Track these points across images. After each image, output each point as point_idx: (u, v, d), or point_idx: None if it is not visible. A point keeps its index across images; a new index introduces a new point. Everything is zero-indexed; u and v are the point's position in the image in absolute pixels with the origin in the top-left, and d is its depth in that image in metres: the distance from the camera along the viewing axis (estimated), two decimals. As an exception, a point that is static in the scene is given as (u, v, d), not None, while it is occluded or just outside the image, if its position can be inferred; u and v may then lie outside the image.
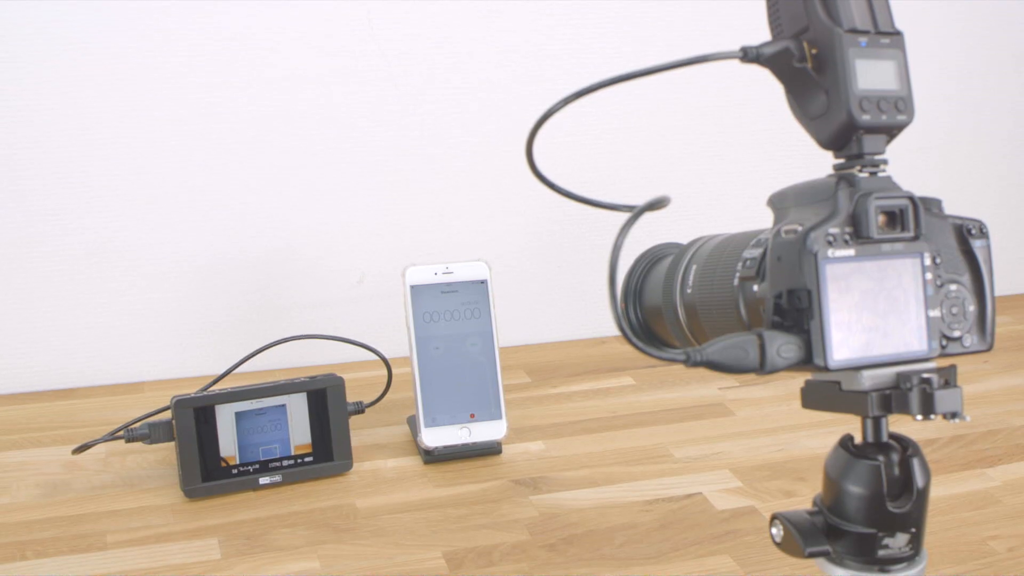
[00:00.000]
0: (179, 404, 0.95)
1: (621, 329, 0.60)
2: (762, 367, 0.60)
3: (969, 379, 1.20)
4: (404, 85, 1.29)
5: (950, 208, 1.51)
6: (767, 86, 0.70)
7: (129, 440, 0.98)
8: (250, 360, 1.08)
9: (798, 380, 0.66)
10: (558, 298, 1.38)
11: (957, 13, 1.48)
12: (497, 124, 1.32)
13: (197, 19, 1.22)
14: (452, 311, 1.03)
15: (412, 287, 1.02)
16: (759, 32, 0.69)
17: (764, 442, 1.06)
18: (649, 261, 0.81)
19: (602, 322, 1.39)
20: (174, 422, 0.95)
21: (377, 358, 1.10)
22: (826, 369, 0.60)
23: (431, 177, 1.32)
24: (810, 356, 0.60)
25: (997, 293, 1.56)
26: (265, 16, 1.23)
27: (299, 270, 1.29)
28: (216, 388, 1.01)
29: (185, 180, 1.25)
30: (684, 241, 0.80)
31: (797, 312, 0.60)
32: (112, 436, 0.99)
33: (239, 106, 1.25)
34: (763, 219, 0.69)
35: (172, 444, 0.97)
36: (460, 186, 1.33)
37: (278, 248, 1.28)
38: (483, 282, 1.04)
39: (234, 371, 1.08)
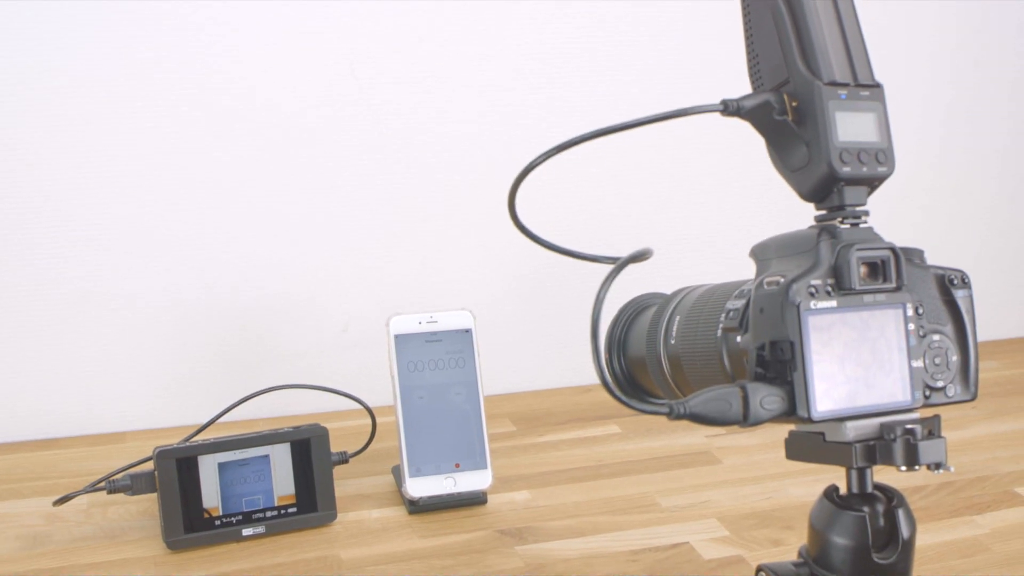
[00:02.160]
0: (161, 455, 0.94)
1: (604, 382, 0.60)
2: (745, 419, 0.60)
3: (956, 425, 1.20)
4: (388, 133, 1.29)
5: (933, 254, 1.52)
6: (751, 135, 0.70)
7: (111, 491, 0.97)
8: (234, 409, 1.08)
9: (785, 427, 0.66)
10: (543, 346, 1.38)
11: (943, 61, 1.49)
12: (481, 172, 1.32)
13: (180, 63, 1.22)
14: (436, 360, 1.03)
15: (396, 336, 1.02)
16: (741, 81, 0.70)
17: (751, 490, 1.06)
18: (633, 311, 0.81)
19: (588, 370, 1.38)
20: (156, 473, 0.94)
21: (362, 407, 1.10)
22: (810, 420, 0.60)
23: (415, 225, 1.32)
24: (794, 408, 0.60)
25: (984, 338, 1.56)
26: (250, 62, 1.24)
27: (283, 319, 1.29)
28: (199, 438, 1.00)
29: (168, 228, 1.24)
30: (668, 290, 0.80)
31: (780, 364, 0.60)
32: (93, 487, 0.98)
33: (222, 153, 1.25)
34: (747, 268, 0.69)
35: (154, 495, 0.96)
36: (444, 234, 1.33)
37: (262, 297, 1.28)
38: (467, 331, 1.04)
39: (217, 421, 1.08)
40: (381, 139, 1.29)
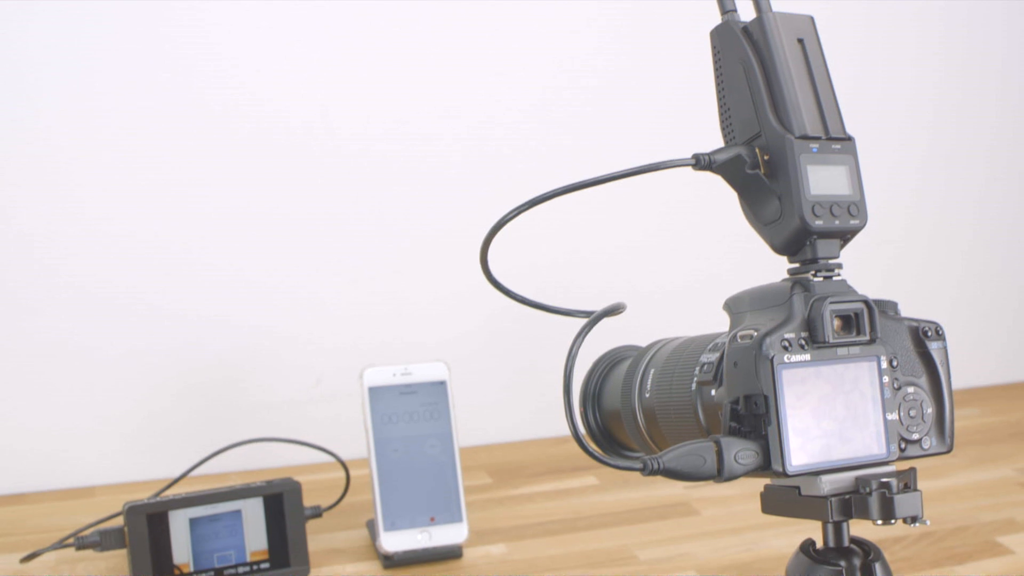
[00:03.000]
0: (131, 511, 0.92)
1: (576, 438, 0.59)
2: (720, 474, 0.59)
3: (937, 474, 1.20)
4: (361, 185, 1.29)
5: (910, 300, 1.52)
6: (724, 187, 0.70)
7: (79, 547, 0.95)
8: (205, 463, 1.07)
9: (762, 479, 0.65)
10: (519, 397, 1.38)
11: (920, 112, 1.50)
12: (454, 223, 1.32)
13: (155, 117, 1.22)
14: (411, 412, 1.02)
15: (370, 388, 1.01)
16: (713, 134, 0.70)
17: (730, 542, 1.05)
18: (607, 364, 0.80)
19: (564, 421, 1.38)
20: (126, 529, 0.92)
21: (335, 460, 1.09)
22: (784, 475, 0.60)
23: (389, 277, 1.31)
24: (768, 462, 0.60)
25: (962, 385, 1.56)
26: (220, 112, 1.24)
27: (255, 371, 1.28)
28: (170, 493, 0.99)
29: (138, 281, 1.24)
30: (642, 343, 0.79)
31: (754, 418, 0.60)
32: (62, 544, 0.97)
33: (193, 205, 1.24)
34: (722, 320, 0.68)
35: (124, 551, 0.95)
36: (418, 285, 1.32)
37: (234, 349, 1.27)
38: (442, 383, 1.03)
39: (189, 475, 1.06)
40: (354, 191, 1.29)
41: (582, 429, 0.79)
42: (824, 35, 1.44)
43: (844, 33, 1.45)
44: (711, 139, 0.68)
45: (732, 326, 0.66)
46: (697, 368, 0.66)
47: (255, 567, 0.96)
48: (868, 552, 0.64)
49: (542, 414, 1.38)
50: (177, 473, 1.09)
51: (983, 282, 1.57)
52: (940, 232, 1.54)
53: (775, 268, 0.68)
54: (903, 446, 0.63)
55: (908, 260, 1.52)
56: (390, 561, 1.00)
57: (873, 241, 1.45)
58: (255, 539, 0.97)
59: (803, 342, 0.61)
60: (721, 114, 0.68)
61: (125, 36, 1.21)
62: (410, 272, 1.32)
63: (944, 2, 1.50)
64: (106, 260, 1.23)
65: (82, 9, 1.19)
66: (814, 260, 0.64)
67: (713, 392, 0.64)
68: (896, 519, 0.60)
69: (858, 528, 0.65)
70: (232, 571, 0.95)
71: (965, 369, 1.53)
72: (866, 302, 0.63)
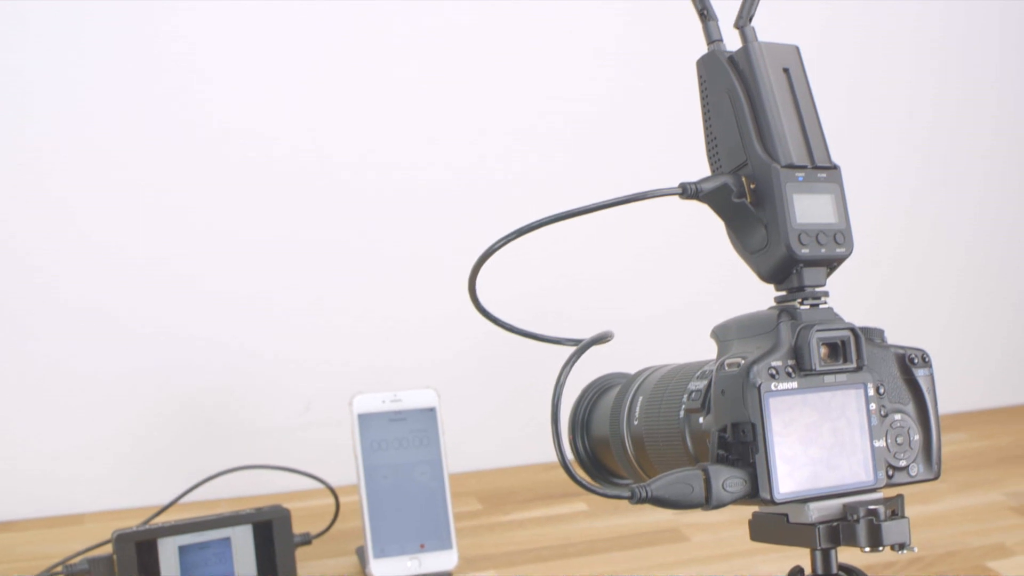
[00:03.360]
0: (120, 539, 0.92)
1: (564, 466, 0.59)
2: (708, 502, 0.59)
3: (925, 499, 1.20)
4: (351, 208, 1.29)
5: (901, 325, 1.53)
6: (711, 215, 0.71)
7: (68, 576, 0.95)
8: (195, 490, 1.06)
9: (751, 506, 0.65)
10: (509, 422, 1.38)
11: (913, 135, 1.51)
12: (444, 248, 1.32)
13: (149, 140, 1.22)
14: (400, 439, 1.02)
15: (360, 415, 1.01)
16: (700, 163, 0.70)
17: (720, 568, 1.05)
18: (596, 391, 0.81)
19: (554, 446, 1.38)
20: (115, 557, 0.92)
21: (325, 487, 1.08)
22: (772, 502, 0.60)
23: (378, 303, 1.31)
24: (756, 490, 0.60)
25: (952, 410, 1.56)
26: (213, 136, 1.24)
27: (245, 398, 1.28)
28: (159, 520, 0.99)
29: (127, 308, 1.24)
30: (631, 370, 0.80)
31: (742, 445, 0.60)
32: (50, 572, 0.96)
33: (182, 234, 1.24)
34: (710, 347, 0.69)
35: (112, 580, 0.95)
36: (407, 311, 1.32)
37: (224, 376, 1.27)
38: (432, 409, 1.03)
39: (178, 502, 1.06)
40: (344, 216, 1.29)
41: (570, 456, 0.80)
42: (819, 59, 1.45)
43: (838, 57, 1.46)
44: (699, 168, 0.69)
45: (720, 354, 0.66)
46: (685, 396, 0.66)
47: (244, 595, 0.96)
48: (856, 579, 0.64)
49: (532, 439, 1.38)
50: (166, 500, 1.08)
51: (973, 307, 1.58)
52: (931, 256, 1.55)
53: (763, 295, 0.68)
54: (890, 473, 0.63)
55: (899, 284, 1.53)
56: (379, 588, 1.00)
57: (865, 265, 1.46)
58: (244, 566, 0.96)
59: (790, 370, 0.61)
60: (708, 143, 0.68)
61: (117, 61, 1.22)
62: (400, 297, 1.32)
63: (941, 25, 1.51)
64: (95, 286, 1.23)
65: (74, 34, 1.20)
66: (800, 288, 0.64)
67: (701, 420, 0.64)
68: (884, 546, 0.60)
69: (846, 555, 0.65)
70: (221, 599, 0.95)
71: (955, 394, 1.54)
72: (852, 330, 0.63)
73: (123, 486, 1.24)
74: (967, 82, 1.53)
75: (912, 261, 1.54)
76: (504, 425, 1.38)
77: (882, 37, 1.48)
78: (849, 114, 1.47)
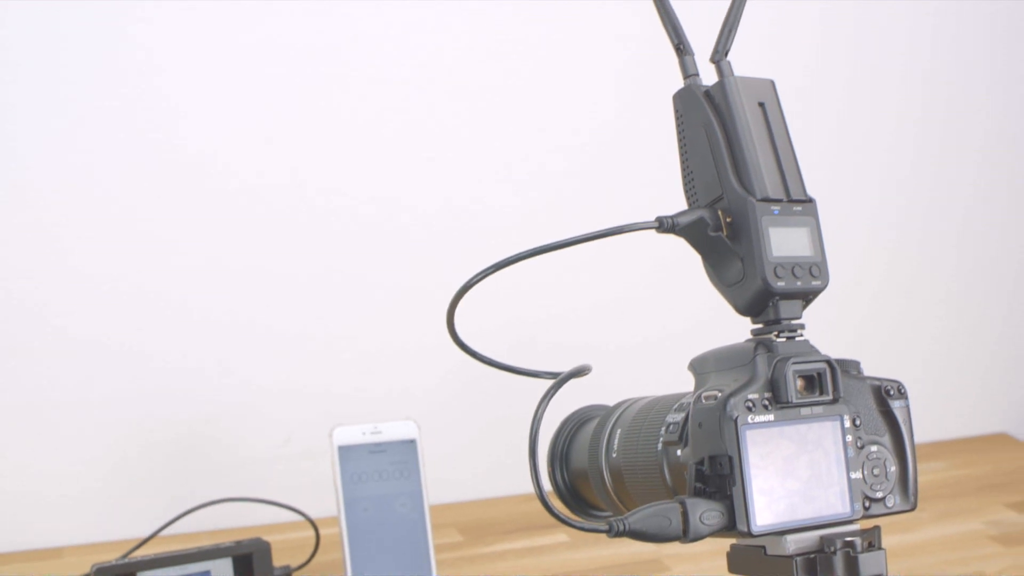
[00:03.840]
0: (100, 572, 0.92)
1: (542, 500, 0.59)
2: (685, 535, 0.60)
3: (904, 528, 1.20)
4: (330, 240, 1.29)
5: (883, 353, 1.53)
6: (689, 247, 0.71)
7: (46, 611, 0.94)
8: (175, 523, 1.06)
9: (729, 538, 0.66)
10: (489, 453, 1.37)
11: (898, 166, 1.52)
12: (422, 280, 1.32)
13: (130, 167, 1.22)
14: (381, 471, 1.02)
15: (340, 448, 1.01)
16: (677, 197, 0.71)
17: (700, 599, 1.05)
18: (575, 423, 0.81)
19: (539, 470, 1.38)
20: (93, 592, 0.92)
21: (305, 519, 1.08)
22: (750, 535, 0.60)
23: (358, 333, 1.31)
24: (734, 522, 0.60)
25: (932, 439, 1.57)
26: (196, 166, 1.24)
27: (225, 429, 1.27)
28: (138, 554, 0.99)
29: (107, 338, 1.23)
30: (610, 401, 0.80)
31: (719, 478, 0.60)
32: (27, 607, 0.96)
33: (161, 263, 1.24)
34: (689, 376, 0.69)
35: (90, 615, 0.94)
36: (387, 341, 1.32)
37: (203, 407, 1.26)
38: (412, 441, 1.03)
39: (158, 535, 1.06)
40: (323, 247, 1.29)
41: (547, 487, 0.80)
42: (807, 90, 1.47)
43: (825, 89, 1.48)
44: (676, 202, 0.69)
45: (697, 386, 0.66)
46: (663, 428, 0.67)
47: (223, 629, 0.96)
48: (834, 611, 0.64)
49: (513, 469, 1.38)
50: (146, 533, 1.08)
51: (956, 338, 1.59)
52: (914, 287, 1.55)
53: (741, 326, 0.69)
54: (867, 504, 0.64)
55: (883, 313, 1.53)
56: (360, 621, 1.00)
57: (849, 293, 1.47)
58: (224, 600, 0.96)
59: (767, 402, 0.61)
60: (684, 177, 0.69)
61: (106, 92, 1.22)
62: (379, 327, 1.32)
63: (929, 57, 1.53)
64: (71, 318, 1.22)
65: (53, 63, 1.20)
66: (777, 321, 0.65)
67: (679, 452, 0.65)
68: (861, 578, 0.60)
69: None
70: (200, 633, 0.95)
71: (938, 422, 1.55)
72: (828, 362, 0.64)
73: (102, 518, 1.24)
74: (952, 116, 1.54)
75: (895, 291, 1.55)
76: (485, 454, 1.37)
77: (869, 70, 1.50)
78: (836, 146, 1.48)
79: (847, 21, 1.48)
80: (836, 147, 1.48)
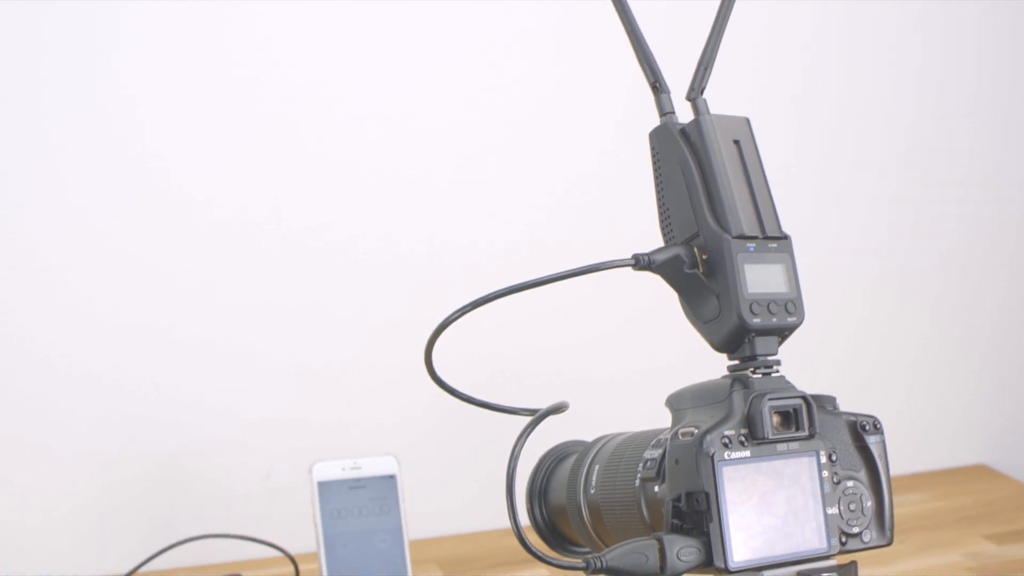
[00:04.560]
0: (75, 611, 0.91)
1: (519, 537, 0.60)
2: (663, 571, 0.60)
3: (884, 560, 1.20)
4: (310, 275, 1.29)
5: (863, 386, 1.53)
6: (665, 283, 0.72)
7: (22, 650, 0.94)
8: (153, 560, 1.05)
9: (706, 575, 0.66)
10: (470, 486, 1.37)
11: (881, 199, 1.53)
12: (401, 314, 1.32)
13: (112, 201, 1.22)
14: (361, 507, 1.02)
15: (319, 483, 1.01)
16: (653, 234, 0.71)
17: (680, 634, 1.05)
18: (554, 459, 0.81)
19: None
20: (69, 630, 0.91)
21: (284, 555, 1.08)
22: (727, 571, 0.60)
23: (338, 368, 1.31)
24: (711, 559, 0.60)
25: (911, 471, 1.56)
26: (171, 199, 1.24)
27: (204, 464, 1.27)
28: (116, 592, 0.98)
29: (86, 372, 1.23)
30: (588, 435, 0.80)
31: (696, 515, 0.61)
32: (3, 646, 0.95)
33: (142, 297, 1.24)
34: (668, 413, 0.69)
35: (67, 654, 0.93)
36: (368, 376, 1.32)
37: (183, 442, 1.26)
38: (392, 477, 1.03)
39: (136, 572, 1.05)
40: (303, 283, 1.29)
41: (526, 522, 0.80)
42: (793, 128, 1.48)
43: (810, 126, 1.49)
44: (652, 241, 0.70)
45: (674, 423, 0.67)
46: (640, 464, 0.67)
47: (201, 667, 0.95)
48: (812, 647, 0.64)
49: (494, 503, 1.37)
50: (125, 570, 1.07)
51: (936, 370, 1.59)
52: (895, 320, 1.56)
53: (718, 362, 0.69)
54: (844, 540, 0.64)
55: (864, 343, 1.54)
56: (339, 658, 0.99)
57: (830, 325, 1.47)
58: (202, 638, 0.95)
59: (743, 439, 0.62)
60: (660, 214, 0.69)
61: (89, 128, 1.22)
62: (359, 362, 1.32)
63: (913, 96, 1.54)
64: (51, 351, 1.22)
65: (48, 108, 1.20)
66: (753, 357, 0.65)
67: (656, 488, 0.65)
68: (838, 613, 0.61)
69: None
70: (178, 671, 0.94)
71: (917, 454, 1.55)
72: (804, 398, 0.64)
73: (81, 556, 1.23)
74: (935, 153, 1.55)
75: (875, 321, 1.55)
76: (467, 488, 1.37)
77: (853, 107, 1.51)
78: (819, 181, 1.49)
79: (831, 58, 1.49)
80: (819, 182, 1.49)
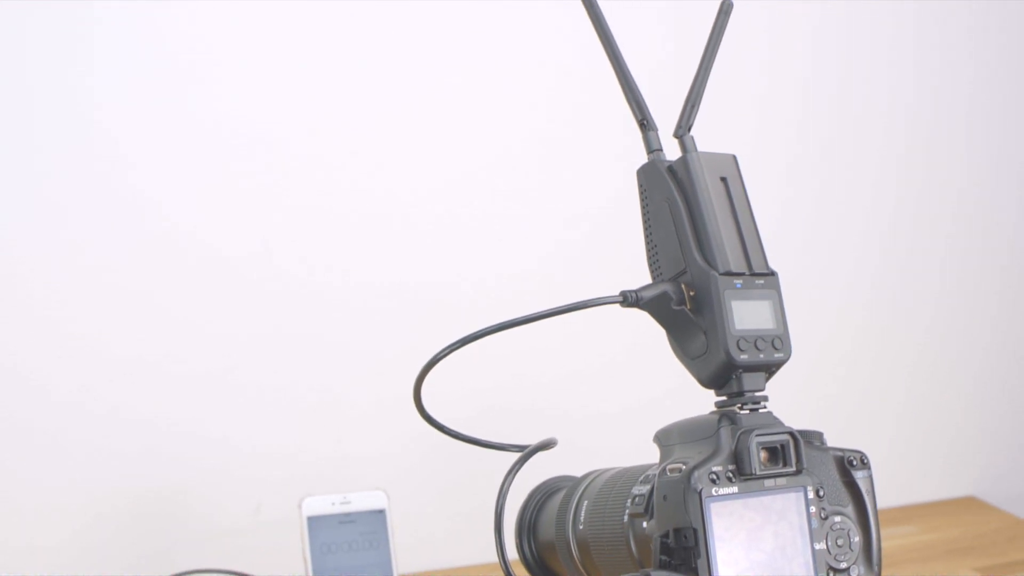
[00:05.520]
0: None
1: (507, 574, 0.60)
2: (651, 608, 0.60)
3: (874, 594, 1.20)
4: (300, 310, 1.30)
5: (852, 418, 1.53)
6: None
7: None
8: (142, 595, 1.05)
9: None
10: (460, 520, 1.36)
11: (870, 240, 1.54)
12: (392, 347, 1.32)
13: (114, 234, 1.23)
14: (350, 542, 1.01)
15: (309, 518, 1.01)
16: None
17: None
18: (543, 495, 0.81)
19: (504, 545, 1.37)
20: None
21: (274, 590, 1.08)
22: (715, 608, 0.60)
23: (330, 401, 1.31)
24: (699, 595, 0.60)
25: (901, 503, 1.56)
26: (157, 235, 1.25)
27: (194, 498, 1.26)
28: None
29: (77, 403, 1.22)
30: (577, 471, 0.80)
31: (684, 551, 0.61)
32: None
33: (133, 331, 1.24)
34: (655, 449, 0.69)
35: None
36: (356, 410, 1.32)
37: (172, 476, 1.25)
38: (381, 511, 1.03)
39: (124, 608, 1.05)
40: (293, 318, 1.29)
41: (515, 557, 0.80)
42: (792, 165, 1.47)
43: (806, 162, 1.49)
44: (640, 277, 0.70)
45: (662, 458, 0.67)
46: (629, 500, 0.67)
47: None
48: None
49: (484, 536, 1.36)
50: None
51: (925, 402, 1.59)
52: (885, 347, 1.56)
53: (706, 395, 0.70)
54: (831, 575, 0.64)
55: (853, 374, 1.54)
56: None
57: (819, 358, 1.48)
58: (190, 674, 0.95)
59: (731, 475, 0.62)
60: (648, 251, 0.70)
61: (79, 168, 1.22)
62: (348, 396, 1.32)
63: (904, 129, 1.55)
64: (38, 390, 1.22)
65: (39, 146, 1.21)
66: (740, 393, 0.66)
67: (645, 524, 0.65)
68: (826, 648, 0.61)
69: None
70: None
71: (906, 486, 1.55)
72: (791, 433, 0.65)
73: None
74: (926, 191, 1.56)
75: (864, 353, 1.55)
76: (456, 521, 1.37)
77: (847, 144, 1.52)
78: (813, 217, 1.50)
79: (825, 96, 1.50)
80: (813, 218, 1.50)
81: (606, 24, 0.73)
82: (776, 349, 0.66)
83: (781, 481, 0.64)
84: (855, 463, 0.67)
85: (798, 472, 0.64)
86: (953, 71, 1.56)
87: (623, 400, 1.42)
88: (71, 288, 1.22)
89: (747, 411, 0.65)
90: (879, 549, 0.67)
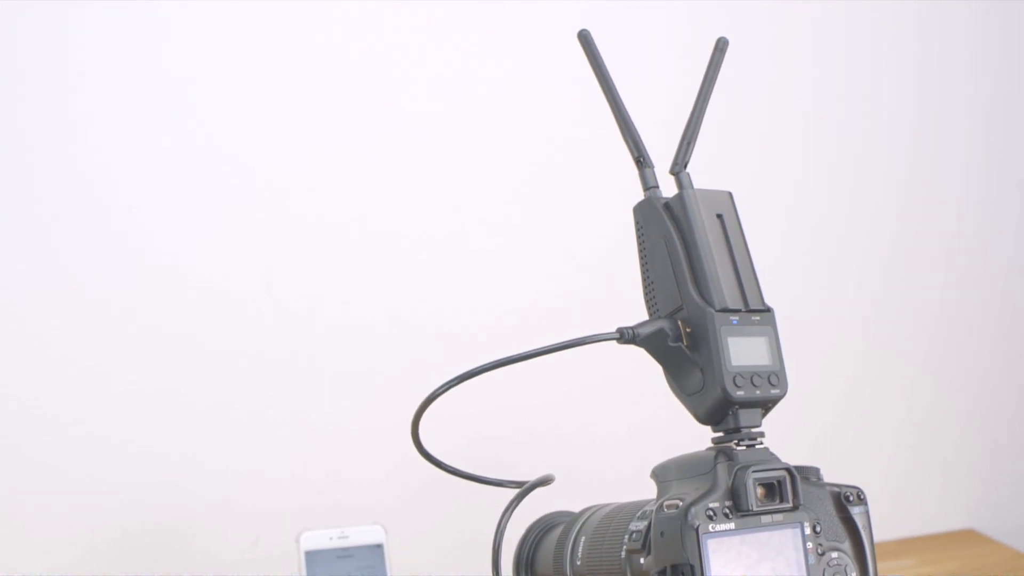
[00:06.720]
0: None
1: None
2: (649, 644, 0.60)
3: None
4: (297, 341, 1.30)
5: (849, 451, 1.53)
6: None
7: None
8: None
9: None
10: (457, 553, 1.36)
11: (866, 274, 1.54)
12: (389, 380, 1.32)
13: (109, 270, 1.23)
14: (348, 576, 1.01)
15: (307, 552, 1.01)
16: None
17: None
18: (541, 530, 0.81)
19: (504, 577, 1.37)
20: None
21: (272, 625, 1.07)
22: (713, 644, 0.60)
23: (327, 434, 1.31)
24: (696, 631, 0.60)
25: (900, 536, 1.55)
26: (162, 270, 1.25)
27: (192, 532, 1.26)
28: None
29: (76, 434, 1.22)
30: (574, 507, 0.80)
31: (682, 587, 0.61)
32: None
33: (129, 361, 1.24)
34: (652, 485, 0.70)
35: None
36: (355, 445, 1.32)
37: (169, 509, 1.25)
38: (379, 546, 1.03)
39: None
40: (292, 350, 1.30)
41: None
42: (792, 200, 1.47)
43: (807, 197, 1.50)
44: (637, 314, 0.71)
45: (659, 494, 0.67)
46: (626, 536, 0.67)
47: None
48: None
49: (482, 568, 1.37)
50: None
51: (922, 434, 1.59)
52: (881, 378, 1.56)
53: (703, 428, 0.70)
54: (829, 611, 0.64)
55: (852, 408, 1.54)
56: None
57: (817, 390, 1.48)
58: None
59: (727, 511, 0.62)
60: (645, 287, 0.70)
61: (79, 212, 1.23)
62: (347, 431, 1.32)
63: (904, 162, 1.55)
64: (37, 418, 1.22)
65: (35, 181, 1.22)
66: (737, 429, 0.66)
67: (642, 560, 0.65)
68: None
69: None
70: None
71: (905, 519, 1.55)
72: (788, 470, 0.65)
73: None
74: (925, 225, 1.57)
75: (861, 384, 1.56)
76: (453, 557, 1.36)
77: (846, 180, 1.52)
78: (812, 254, 1.50)
79: (825, 134, 1.51)
80: (811, 253, 1.50)
81: (603, 63, 0.74)
82: (772, 385, 0.66)
83: (778, 517, 0.64)
84: (852, 499, 0.67)
85: (795, 508, 0.64)
86: (952, 106, 1.57)
87: (620, 431, 1.42)
88: (73, 322, 1.23)
89: (744, 447, 0.66)
90: (876, 585, 0.67)
